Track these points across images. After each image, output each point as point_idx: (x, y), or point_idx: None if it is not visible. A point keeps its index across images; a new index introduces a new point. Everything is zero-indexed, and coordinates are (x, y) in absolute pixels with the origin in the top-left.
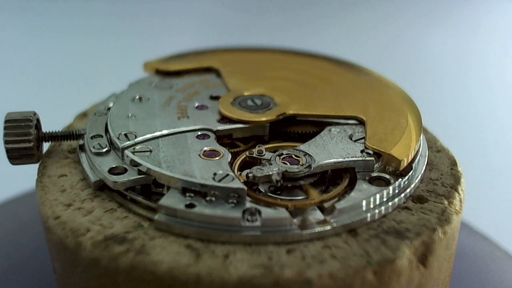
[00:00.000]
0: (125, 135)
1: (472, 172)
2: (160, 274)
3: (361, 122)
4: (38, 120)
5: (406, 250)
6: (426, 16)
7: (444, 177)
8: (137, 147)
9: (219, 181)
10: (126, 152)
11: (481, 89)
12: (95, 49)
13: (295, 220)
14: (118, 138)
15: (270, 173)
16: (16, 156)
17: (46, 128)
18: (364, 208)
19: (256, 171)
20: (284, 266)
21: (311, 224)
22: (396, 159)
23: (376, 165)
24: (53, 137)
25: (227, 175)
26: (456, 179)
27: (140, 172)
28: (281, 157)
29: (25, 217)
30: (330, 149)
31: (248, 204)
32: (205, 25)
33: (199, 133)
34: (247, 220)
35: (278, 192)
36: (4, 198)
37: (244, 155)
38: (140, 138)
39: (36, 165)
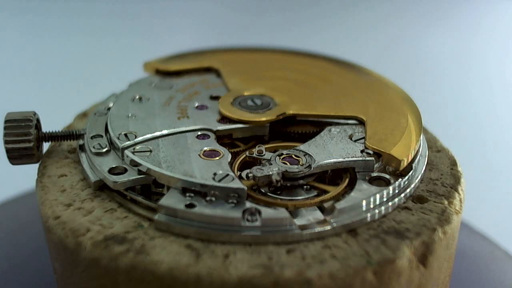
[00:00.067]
0: (125, 135)
1: (472, 172)
2: (160, 274)
3: (361, 122)
4: (38, 120)
5: (406, 250)
6: (426, 16)
7: (444, 177)
8: (137, 147)
9: (219, 181)
10: (126, 152)
11: (481, 89)
12: (95, 49)
13: (295, 220)
14: (118, 138)
15: (270, 173)
16: (16, 156)
17: (46, 128)
18: (364, 208)
19: (256, 171)
20: (284, 266)
21: (311, 224)
22: (396, 159)
23: (376, 165)
24: (53, 137)
25: (227, 175)
26: (456, 179)
27: (140, 172)
28: (281, 157)
29: (25, 217)
30: (330, 149)
31: (248, 204)
32: (205, 25)
33: (199, 133)
34: (247, 220)
35: (278, 192)
36: (4, 198)
37: (244, 155)
38: (140, 138)
39: (36, 165)
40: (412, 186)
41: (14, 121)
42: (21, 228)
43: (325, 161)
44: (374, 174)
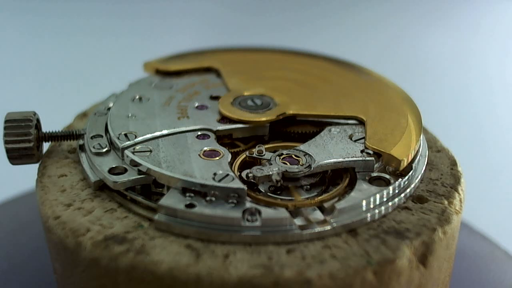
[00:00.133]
0: (125, 135)
1: (472, 172)
2: (160, 274)
3: (361, 122)
4: (38, 120)
5: (406, 250)
6: (426, 16)
7: (444, 177)
8: (137, 147)
9: (219, 181)
10: (126, 152)
11: (481, 89)
12: (95, 49)
13: (295, 220)
14: (118, 138)
15: (270, 173)
16: (16, 156)
17: (46, 128)
18: (364, 208)
19: (256, 171)
20: (284, 266)
21: (311, 224)
22: (396, 159)
23: (376, 165)
24: (53, 137)
25: (227, 175)
26: (456, 179)
27: (140, 172)
28: (281, 157)
29: (25, 217)
30: (330, 149)
31: (248, 204)
32: (205, 25)
33: (199, 133)
34: (247, 220)
35: (278, 192)
36: (4, 198)
37: (244, 155)
38: (140, 138)
39: (36, 165)
40: (412, 186)
41: (14, 121)
42: (21, 228)
43: (325, 161)
44: (374, 174)
